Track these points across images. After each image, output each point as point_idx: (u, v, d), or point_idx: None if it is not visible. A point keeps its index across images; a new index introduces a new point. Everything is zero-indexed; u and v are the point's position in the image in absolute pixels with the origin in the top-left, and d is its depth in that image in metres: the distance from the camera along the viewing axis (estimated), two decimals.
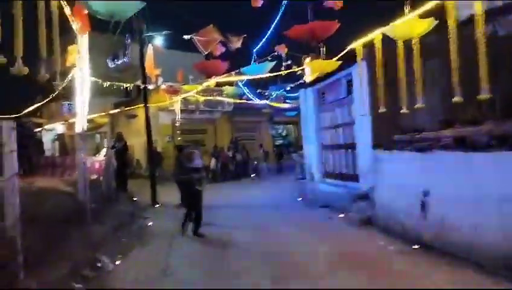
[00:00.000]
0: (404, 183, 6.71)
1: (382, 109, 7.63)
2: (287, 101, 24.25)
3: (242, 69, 9.29)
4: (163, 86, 15.18)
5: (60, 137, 28.57)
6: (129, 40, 25.20)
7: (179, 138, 20.38)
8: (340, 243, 6.89)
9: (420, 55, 6.72)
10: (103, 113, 21.78)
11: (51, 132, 28.63)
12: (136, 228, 8.56)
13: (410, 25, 5.77)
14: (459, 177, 5.55)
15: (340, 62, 8.30)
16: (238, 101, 21.44)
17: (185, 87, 14.86)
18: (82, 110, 12.97)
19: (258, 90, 16.29)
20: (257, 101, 18.59)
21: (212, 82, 14.61)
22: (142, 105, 20.86)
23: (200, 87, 15.12)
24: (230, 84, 14.38)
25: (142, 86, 12.55)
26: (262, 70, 9.25)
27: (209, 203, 12.76)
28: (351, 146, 9.88)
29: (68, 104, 26.05)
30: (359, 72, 8.27)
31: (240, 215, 10.08)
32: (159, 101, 19.84)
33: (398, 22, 6.04)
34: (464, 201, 5.48)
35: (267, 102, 22.55)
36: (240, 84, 14.00)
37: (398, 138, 7.06)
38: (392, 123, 7.96)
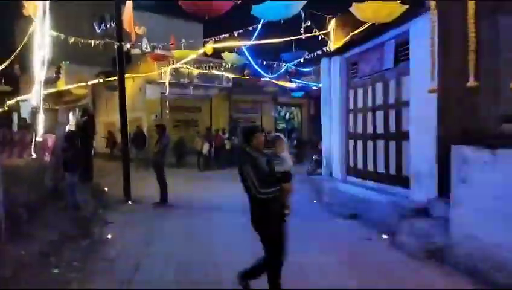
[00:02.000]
0: None
1: (472, 82, 4.85)
2: (293, 80, 21.36)
3: (254, 8, 6.25)
4: (147, 49, 12.25)
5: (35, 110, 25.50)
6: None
7: (168, 116, 17.49)
8: None
9: None
10: (81, 84, 18.72)
11: (26, 103, 25.51)
12: (86, 244, 5.78)
13: None
14: None
15: (406, 6, 5.42)
16: (239, 76, 18.59)
17: (176, 52, 11.94)
18: (38, 76, 10.14)
19: (265, 62, 13.32)
20: (263, 77, 15.65)
21: (209, 47, 11.75)
22: (127, 75, 18.05)
23: (194, 53, 12.21)
24: (231, 50, 11.44)
25: (116, 45, 9.59)
26: (285, 12, 6.16)
27: (199, 200, 10.15)
28: (399, 136, 7.11)
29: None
30: (432, 26, 5.44)
31: (242, 226, 7.34)
32: (147, 72, 16.88)
33: None
34: None
35: (271, 78, 19.65)
36: (243, 49, 11.02)
37: (509, 129, 4.29)
38: (481, 104, 5.19)
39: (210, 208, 8.79)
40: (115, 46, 9.61)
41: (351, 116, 8.96)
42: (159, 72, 16.86)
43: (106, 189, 10.83)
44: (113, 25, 20.99)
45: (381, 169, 7.75)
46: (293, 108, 24.39)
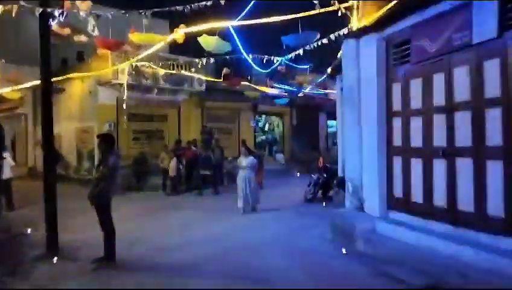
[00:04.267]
0: None
1: None
2: (276, 85, 18.42)
3: None
4: (94, 33, 8.89)
5: None
6: None
7: (126, 126, 14.03)
8: None
9: None
10: (16, 87, 14.90)
11: None
12: None
13: None
14: None
15: None
16: (215, 78, 15.41)
17: (133, 36, 8.66)
18: None
19: (251, 56, 10.13)
20: (247, 77, 12.43)
21: (179, 32, 8.57)
22: (74, 74, 14.47)
23: (158, 40, 8.96)
24: (210, 33, 8.27)
25: (37, 11, 6.16)
26: None
27: (167, 249, 6.06)
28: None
29: None
30: None
31: None
32: (99, 70, 13.37)
33: None
34: None
35: (250, 83, 16.61)
36: (231, 30, 7.77)
37: None
38: None
39: (185, 267, 5.50)
40: (36, 14, 6.21)
41: (397, 121, 6.00)
42: (114, 71, 13.44)
43: (28, 231, 7.33)
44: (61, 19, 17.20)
45: (465, 206, 4.79)
46: (273, 117, 21.40)
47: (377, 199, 6.26)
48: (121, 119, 14.14)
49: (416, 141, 5.61)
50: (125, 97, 13.42)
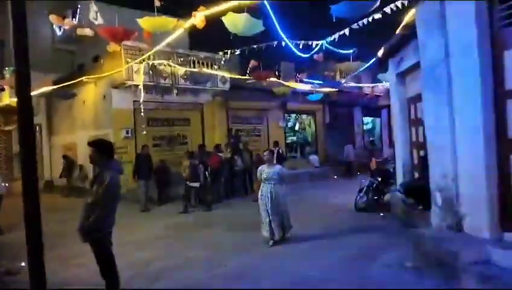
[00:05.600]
0: None
1: None
2: (306, 80, 16.64)
3: None
4: (97, 21, 7.43)
5: None
6: None
7: (145, 132, 12.55)
8: None
9: None
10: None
11: None
12: None
13: None
14: None
15: None
16: (239, 76, 13.84)
17: (143, 21, 7.11)
18: None
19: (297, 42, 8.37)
20: (272, 73, 10.72)
21: (199, 16, 6.97)
22: (86, 78, 13.09)
23: (174, 25, 7.37)
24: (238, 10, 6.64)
25: None
26: None
27: None
28: None
29: None
30: None
31: None
32: (113, 71, 11.94)
33: None
34: None
35: (278, 78, 14.95)
36: (265, 3, 6.10)
37: None
38: None
39: None
40: None
41: None
42: (128, 72, 11.99)
43: (22, 264, 5.77)
44: (75, 21, 15.85)
45: None
46: (304, 116, 19.60)
47: (486, 215, 4.45)
48: (139, 125, 12.70)
49: None
50: (142, 100, 11.96)
